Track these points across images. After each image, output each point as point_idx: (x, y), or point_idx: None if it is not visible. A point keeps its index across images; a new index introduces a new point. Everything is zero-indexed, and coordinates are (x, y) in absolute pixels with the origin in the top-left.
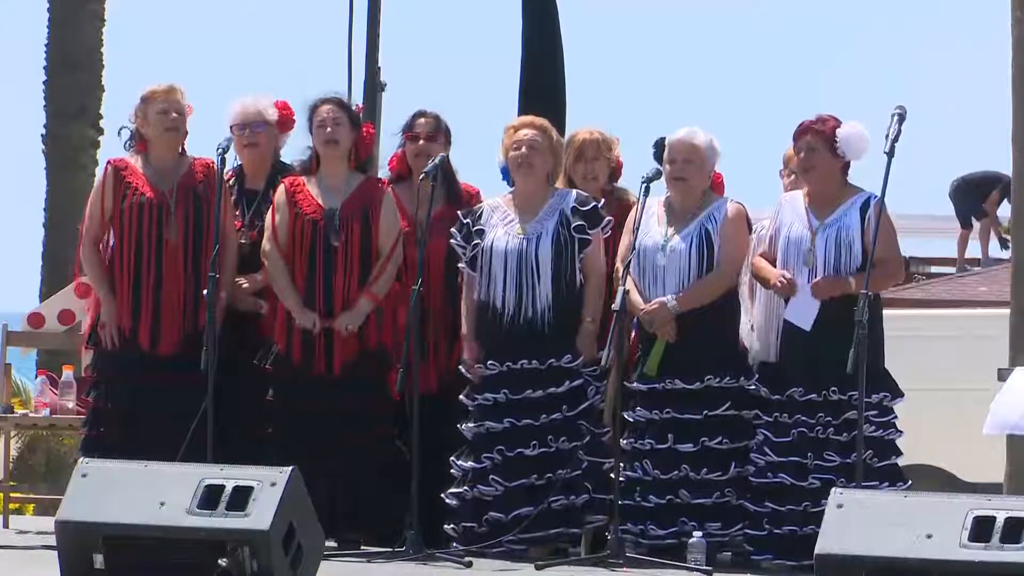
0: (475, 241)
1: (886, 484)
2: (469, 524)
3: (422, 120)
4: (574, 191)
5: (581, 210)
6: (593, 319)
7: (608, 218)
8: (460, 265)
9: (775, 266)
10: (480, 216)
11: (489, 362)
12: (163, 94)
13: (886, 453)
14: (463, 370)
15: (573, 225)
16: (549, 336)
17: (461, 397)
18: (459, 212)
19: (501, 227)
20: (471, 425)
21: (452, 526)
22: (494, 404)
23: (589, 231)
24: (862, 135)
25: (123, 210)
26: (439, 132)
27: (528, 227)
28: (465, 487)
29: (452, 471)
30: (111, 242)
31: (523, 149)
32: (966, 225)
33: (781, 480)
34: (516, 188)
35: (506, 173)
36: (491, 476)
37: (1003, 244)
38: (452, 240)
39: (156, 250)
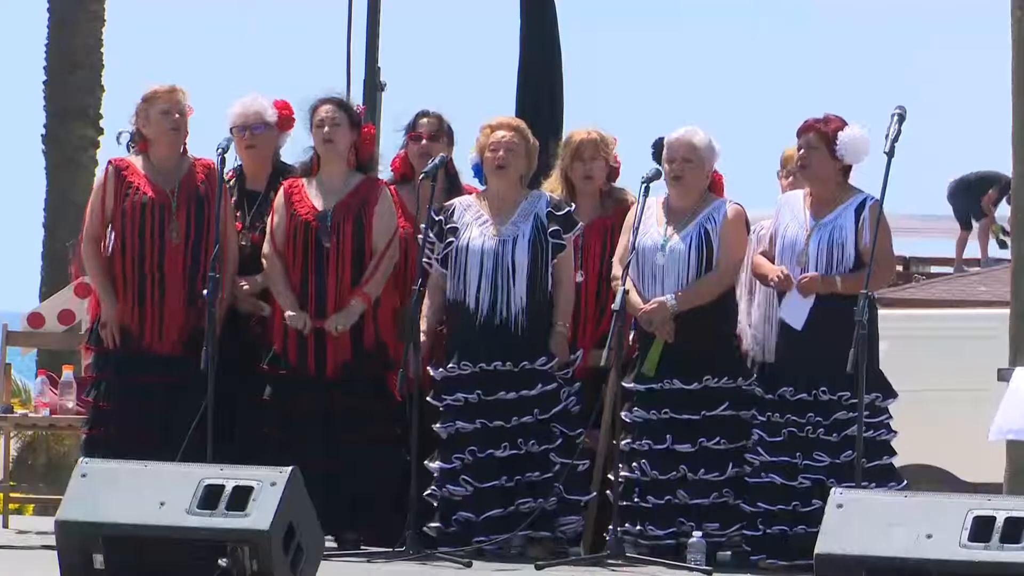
0: (449, 239)
1: (874, 484)
2: (436, 525)
3: (425, 120)
4: (547, 194)
5: (556, 215)
6: (564, 322)
7: (580, 224)
8: (425, 261)
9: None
10: (452, 214)
11: (462, 363)
12: (166, 95)
13: (877, 453)
14: (429, 369)
15: (549, 230)
16: (523, 338)
17: (428, 398)
18: (430, 209)
19: (475, 227)
20: (440, 426)
21: (427, 527)
22: (465, 404)
23: (563, 236)
24: (863, 140)
25: (125, 210)
26: (442, 132)
27: (503, 228)
28: (433, 487)
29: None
30: (111, 241)
31: (500, 152)
32: (966, 227)
33: (772, 480)
34: (489, 189)
35: (478, 170)
36: (461, 476)
37: (1001, 244)
38: (420, 236)
39: (159, 250)
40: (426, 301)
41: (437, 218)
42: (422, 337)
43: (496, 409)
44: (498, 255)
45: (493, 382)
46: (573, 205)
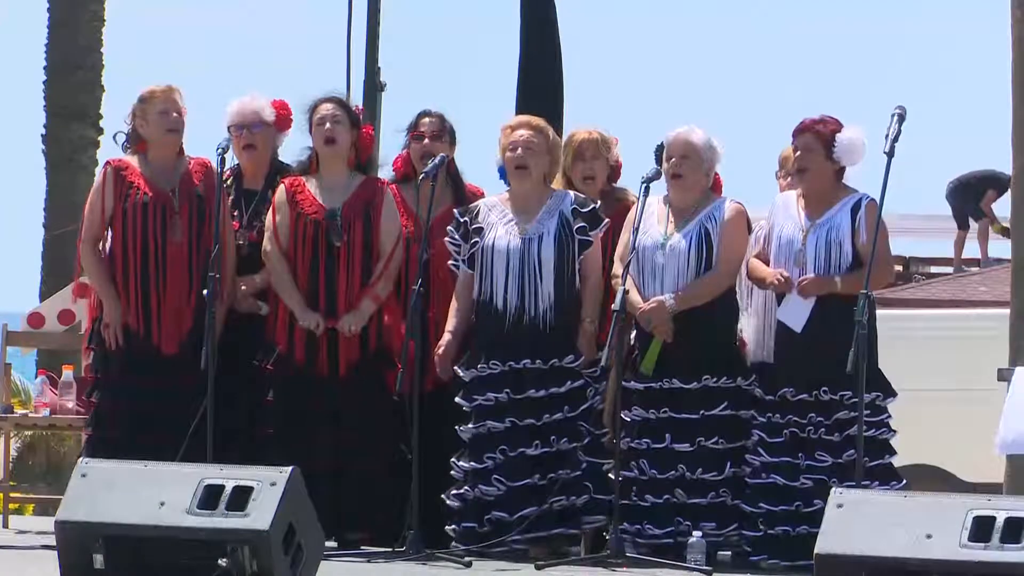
0: (474, 240)
1: (877, 484)
2: (470, 524)
3: (427, 120)
4: (571, 192)
5: (582, 212)
6: (592, 320)
7: (606, 220)
8: (451, 263)
9: (769, 266)
10: (477, 215)
11: (491, 362)
12: (163, 95)
13: (879, 453)
14: (457, 370)
15: (575, 227)
16: (551, 336)
17: (457, 399)
18: (455, 211)
19: (501, 226)
20: (470, 426)
21: (453, 527)
22: (495, 403)
23: (590, 233)
24: (860, 142)
25: (125, 210)
26: (444, 132)
27: (529, 227)
28: (466, 487)
29: (453, 472)
30: (110, 242)
31: (518, 151)
32: (963, 226)
33: (774, 480)
34: (512, 189)
35: (503, 173)
36: (493, 476)
37: (1005, 233)
38: (447, 238)
39: (162, 250)
40: (454, 303)
41: (462, 219)
42: (448, 338)
43: (526, 407)
44: (524, 253)
45: (522, 380)
46: (599, 202)
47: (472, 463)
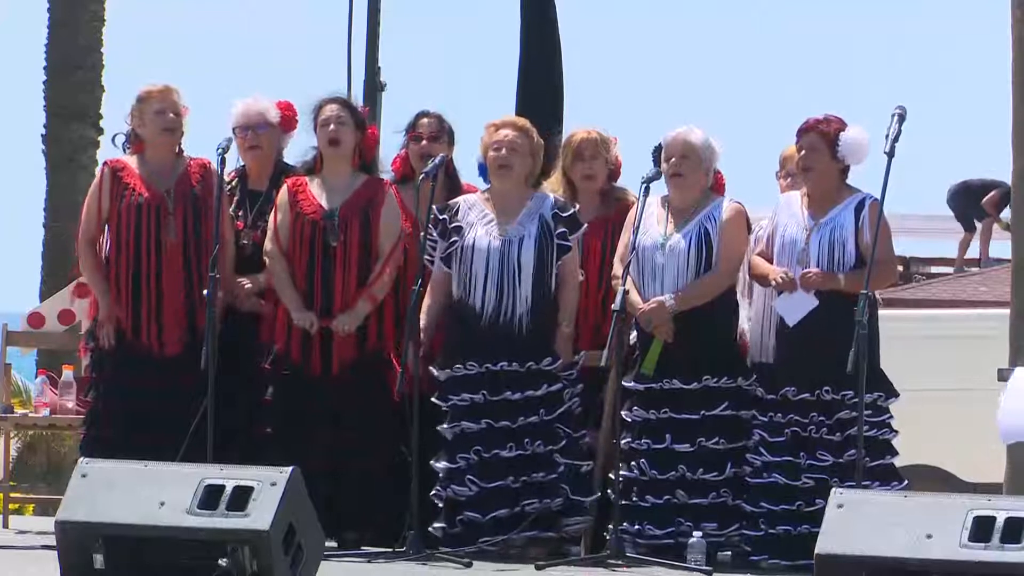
0: (453, 238)
1: (878, 484)
2: (441, 525)
3: (425, 120)
4: (552, 195)
5: (562, 216)
6: (569, 323)
7: (584, 225)
8: (426, 259)
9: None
10: (457, 212)
11: (468, 363)
12: (159, 95)
13: (880, 453)
14: (432, 369)
15: (556, 231)
16: (528, 339)
17: (433, 399)
18: (434, 207)
19: (480, 226)
20: (446, 426)
21: (431, 527)
22: (471, 404)
23: (569, 237)
24: (865, 141)
25: (120, 211)
26: (442, 132)
27: (509, 229)
28: (438, 488)
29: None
30: (107, 243)
31: (502, 151)
32: (969, 229)
33: (775, 479)
34: (492, 188)
35: (483, 170)
36: (467, 476)
37: (1007, 227)
38: (426, 235)
39: (155, 251)
40: (427, 300)
41: (441, 217)
42: (422, 336)
43: (502, 409)
44: (504, 255)
45: (498, 383)
46: (577, 206)
47: (446, 463)
